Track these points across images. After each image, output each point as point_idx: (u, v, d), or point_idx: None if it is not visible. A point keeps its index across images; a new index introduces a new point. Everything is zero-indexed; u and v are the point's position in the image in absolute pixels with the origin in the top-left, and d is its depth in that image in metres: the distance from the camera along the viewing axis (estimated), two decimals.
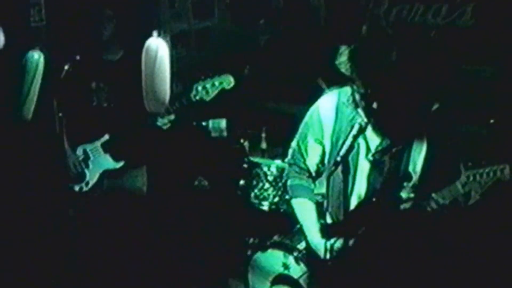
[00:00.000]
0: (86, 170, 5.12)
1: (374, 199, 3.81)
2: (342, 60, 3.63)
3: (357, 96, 3.69)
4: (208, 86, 4.81)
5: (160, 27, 4.56)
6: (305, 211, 4.09)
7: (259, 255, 4.41)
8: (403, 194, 3.79)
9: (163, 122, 4.89)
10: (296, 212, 4.15)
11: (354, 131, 3.63)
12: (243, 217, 5.93)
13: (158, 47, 4.17)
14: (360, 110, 3.73)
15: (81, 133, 5.11)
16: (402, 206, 3.78)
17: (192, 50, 7.30)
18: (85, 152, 5.11)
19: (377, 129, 3.75)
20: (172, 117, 4.90)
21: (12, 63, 4.74)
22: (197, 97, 4.84)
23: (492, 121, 5.56)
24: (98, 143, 5.12)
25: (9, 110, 4.74)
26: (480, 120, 5.61)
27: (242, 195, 5.82)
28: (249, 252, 5.01)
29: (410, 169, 3.75)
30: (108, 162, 5.13)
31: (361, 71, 3.58)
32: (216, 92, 4.84)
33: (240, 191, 5.85)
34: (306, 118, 4.06)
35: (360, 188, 3.85)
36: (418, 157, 3.74)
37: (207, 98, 4.83)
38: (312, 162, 4.09)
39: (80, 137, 5.11)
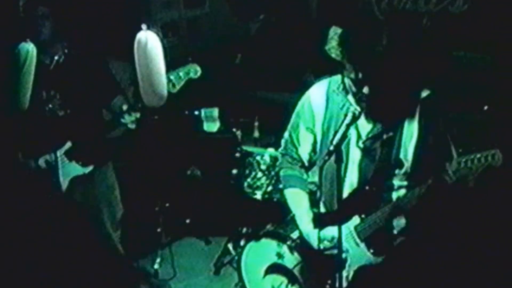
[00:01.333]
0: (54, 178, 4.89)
1: (366, 187, 3.80)
2: (332, 45, 3.61)
3: (347, 82, 3.68)
4: (173, 78, 4.58)
5: (150, 17, 4.42)
6: (297, 201, 4.09)
7: (252, 245, 4.39)
8: (395, 182, 3.78)
9: (128, 120, 4.61)
10: (289, 202, 4.15)
11: (347, 120, 3.60)
12: (236, 206, 5.93)
13: (148, 40, 4.14)
14: (350, 97, 3.72)
15: (40, 143, 4.84)
16: (394, 194, 3.78)
17: (183, 39, 7.27)
18: (47, 162, 4.85)
19: (367, 116, 3.74)
20: (138, 115, 4.62)
21: (2, 55, 4.69)
22: None
23: (485, 107, 5.55)
24: (61, 152, 4.85)
25: (4, 102, 4.69)
26: (473, 107, 5.61)
27: (235, 185, 5.81)
28: (242, 242, 5.00)
29: (402, 156, 3.73)
30: (76, 168, 4.90)
31: (351, 56, 3.56)
32: (182, 83, 4.63)
33: (233, 180, 5.84)
34: (298, 108, 4.06)
35: (352, 176, 3.84)
36: (409, 144, 3.72)
37: (174, 90, 4.60)
38: (304, 151, 4.08)
39: (39, 147, 4.85)
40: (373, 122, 3.77)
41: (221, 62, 6.43)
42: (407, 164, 3.73)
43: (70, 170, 4.89)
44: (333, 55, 3.62)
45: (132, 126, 4.63)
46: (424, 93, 3.73)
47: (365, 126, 3.78)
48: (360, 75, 3.57)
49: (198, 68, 4.67)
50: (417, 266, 3.89)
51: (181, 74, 4.61)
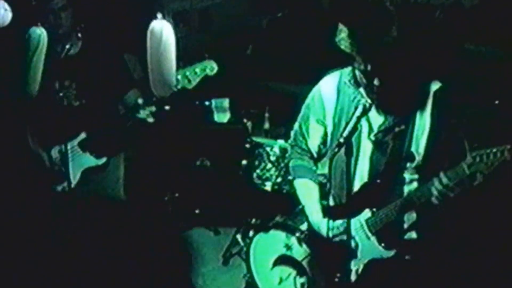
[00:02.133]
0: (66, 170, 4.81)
1: (377, 180, 3.79)
2: (342, 37, 3.58)
3: (358, 74, 3.66)
4: (189, 74, 4.54)
5: (161, 7, 4.39)
6: (307, 192, 4.09)
7: (261, 236, 4.40)
8: (406, 175, 3.77)
9: (144, 114, 4.64)
10: (298, 192, 4.15)
11: (358, 112, 3.60)
12: (246, 197, 5.93)
13: (162, 29, 4.12)
14: (361, 90, 3.71)
15: (54, 133, 4.82)
16: (405, 187, 3.77)
17: (193, 30, 7.27)
18: (61, 152, 4.79)
19: (379, 108, 3.73)
20: (154, 108, 4.64)
21: (14, 39, 4.69)
22: (179, 86, 4.55)
23: (497, 102, 5.53)
24: (75, 143, 4.86)
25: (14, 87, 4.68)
26: (483, 101, 5.59)
27: (244, 175, 5.81)
28: (251, 233, 5.02)
29: (413, 149, 3.72)
30: (89, 160, 4.90)
31: (360, 47, 3.54)
32: (198, 79, 4.58)
33: (242, 171, 5.84)
34: (308, 100, 4.05)
35: (363, 169, 3.83)
36: (421, 137, 3.71)
37: (190, 87, 4.57)
38: (313, 143, 4.08)
39: (53, 137, 4.84)
40: (384, 114, 3.76)
41: (232, 52, 6.42)
42: (419, 158, 3.71)
43: (83, 162, 4.87)
44: (342, 47, 3.59)
45: (150, 120, 4.64)
46: (436, 86, 3.71)
47: (377, 118, 3.77)
48: (369, 67, 3.56)
49: (215, 65, 4.59)
50: (428, 261, 3.88)
51: (197, 70, 4.56)
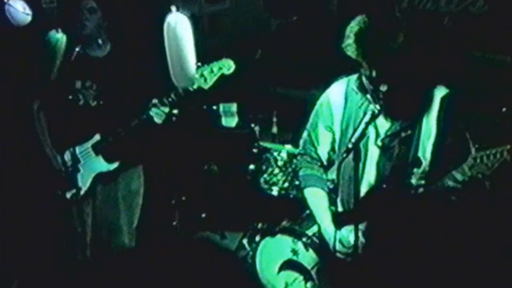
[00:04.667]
0: (77, 175, 4.76)
1: (383, 186, 3.80)
2: (349, 43, 3.59)
3: (365, 80, 3.67)
4: (206, 73, 4.42)
5: (170, 12, 4.34)
6: (317, 200, 4.10)
7: (268, 240, 4.41)
8: (413, 181, 3.78)
9: (157, 113, 4.53)
10: (309, 201, 4.16)
11: (366, 118, 3.61)
12: (252, 202, 5.94)
13: (177, 21, 4.12)
14: (369, 96, 3.72)
15: (68, 135, 4.77)
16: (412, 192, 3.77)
17: (202, 34, 7.27)
18: (73, 156, 4.75)
19: (386, 114, 3.73)
20: (167, 109, 4.54)
21: (30, 43, 4.70)
22: (195, 86, 4.45)
23: (504, 109, 5.52)
24: (88, 145, 4.75)
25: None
26: (491, 108, 5.58)
27: (251, 180, 5.82)
28: (258, 237, 5.02)
29: (420, 154, 3.73)
30: (101, 165, 4.76)
31: (367, 53, 3.55)
32: (215, 78, 4.45)
33: (249, 176, 5.84)
34: (317, 107, 4.08)
35: (370, 175, 3.84)
36: (427, 142, 3.72)
37: (206, 86, 4.45)
38: (323, 150, 4.10)
39: (66, 139, 4.77)
40: (391, 120, 3.77)
41: (240, 57, 6.44)
42: (425, 163, 3.72)
43: (95, 166, 4.76)
44: (349, 53, 3.61)
45: (158, 120, 4.55)
46: (443, 92, 3.72)
47: (383, 124, 3.79)
48: (375, 74, 3.57)
49: (232, 64, 4.48)
50: (433, 263, 3.88)
51: (214, 68, 4.45)
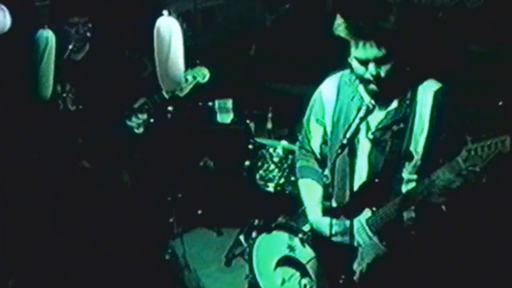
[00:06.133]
0: None
1: (376, 180, 3.78)
2: (338, 22, 3.58)
3: (355, 66, 3.65)
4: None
5: (165, 8, 4.34)
6: (309, 192, 4.10)
7: (264, 237, 4.40)
8: (405, 175, 3.76)
9: (135, 122, 4.58)
10: (302, 192, 4.16)
11: (361, 113, 3.60)
12: (248, 198, 5.93)
13: (169, 25, 4.12)
14: (361, 89, 3.71)
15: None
16: (404, 187, 3.75)
17: (197, 30, 7.27)
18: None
19: (376, 102, 3.70)
20: (145, 116, 4.60)
21: (19, 43, 4.69)
22: (170, 94, 4.55)
23: (500, 103, 5.52)
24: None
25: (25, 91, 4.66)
26: (487, 102, 5.59)
27: (247, 176, 5.81)
28: (254, 234, 5.01)
29: (412, 148, 3.71)
30: None
31: (356, 30, 3.54)
32: (190, 87, 4.56)
33: (245, 172, 5.84)
34: (311, 102, 4.08)
35: (361, 169, 3.82)
36: (420, 136, 3.69)
37: (181, 94, 4.55)
38: (315, 143, 4.11)
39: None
40: (383, 112, 3.74)
41: (235, 53, 6.43)
42: (417, 157, 3.69)
43: None
44: (339, 33, 3.60)
45: (138, 130, 4.57)
46: (437, 86, 3.70)
47: (375, 116, 3.76)
48: (364, 53, 3.56)
49: (206, 72, 4.56)
50: (429, 259, 3.88)
51: (188, 77, 4.53)
